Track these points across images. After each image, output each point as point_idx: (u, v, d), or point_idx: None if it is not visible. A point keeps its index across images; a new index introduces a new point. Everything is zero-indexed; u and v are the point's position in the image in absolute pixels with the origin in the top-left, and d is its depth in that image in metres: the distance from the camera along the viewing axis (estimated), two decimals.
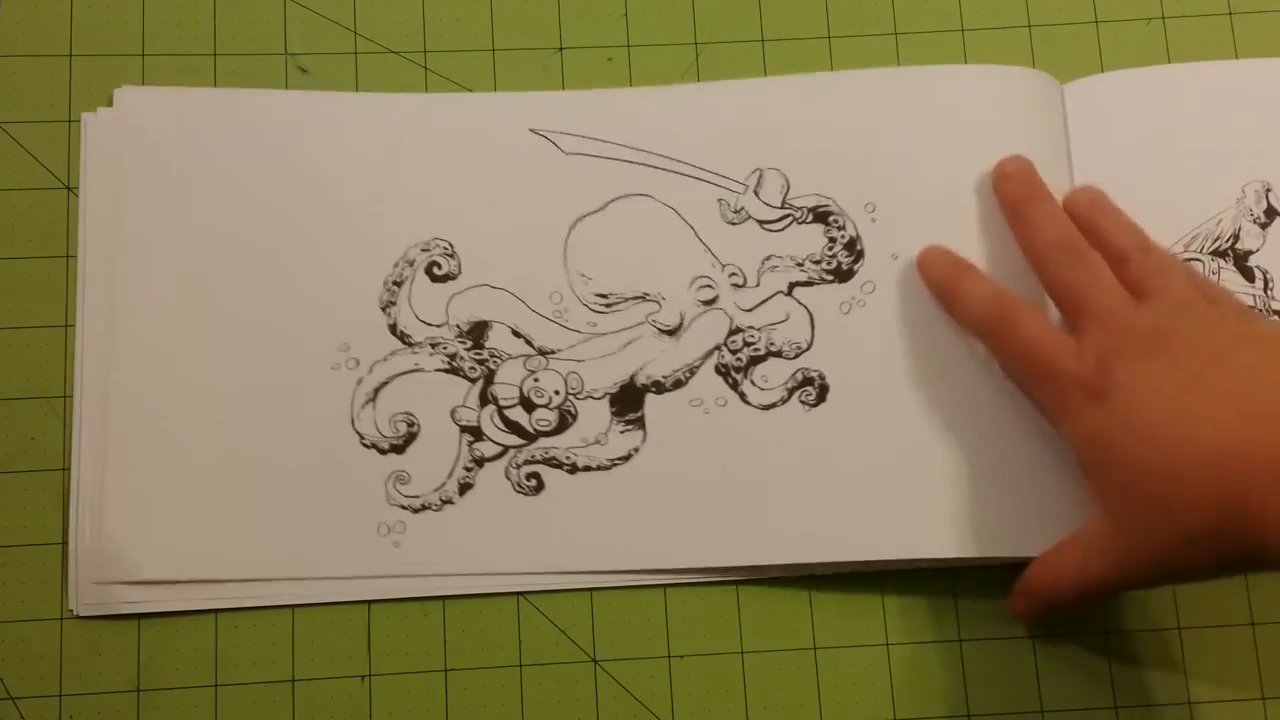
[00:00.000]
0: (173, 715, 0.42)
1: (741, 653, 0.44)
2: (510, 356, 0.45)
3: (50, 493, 0.43)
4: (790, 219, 0.46)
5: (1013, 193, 0.44)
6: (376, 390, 0.44)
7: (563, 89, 0.48)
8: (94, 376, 0.44)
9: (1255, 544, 0.34)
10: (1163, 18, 0.49)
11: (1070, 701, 0.44)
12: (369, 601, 0.43)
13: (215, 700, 0.42)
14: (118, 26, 0.47)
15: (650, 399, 0.44)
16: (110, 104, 0.46)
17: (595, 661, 0.44)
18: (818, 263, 0.45)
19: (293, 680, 0.43)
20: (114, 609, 0.42)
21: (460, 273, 0.45)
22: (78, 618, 0.42)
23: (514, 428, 0.44)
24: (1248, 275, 0.46)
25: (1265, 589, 0.45)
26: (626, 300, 0.45)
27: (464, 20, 0.48)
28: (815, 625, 0.44)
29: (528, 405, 0.44)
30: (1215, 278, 0.46)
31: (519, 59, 0.48)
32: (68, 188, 0.45)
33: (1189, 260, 0.46)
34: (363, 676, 0.43)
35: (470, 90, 0.47)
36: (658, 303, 0.45)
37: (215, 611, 0.43)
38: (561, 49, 0.48)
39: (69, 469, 0.43)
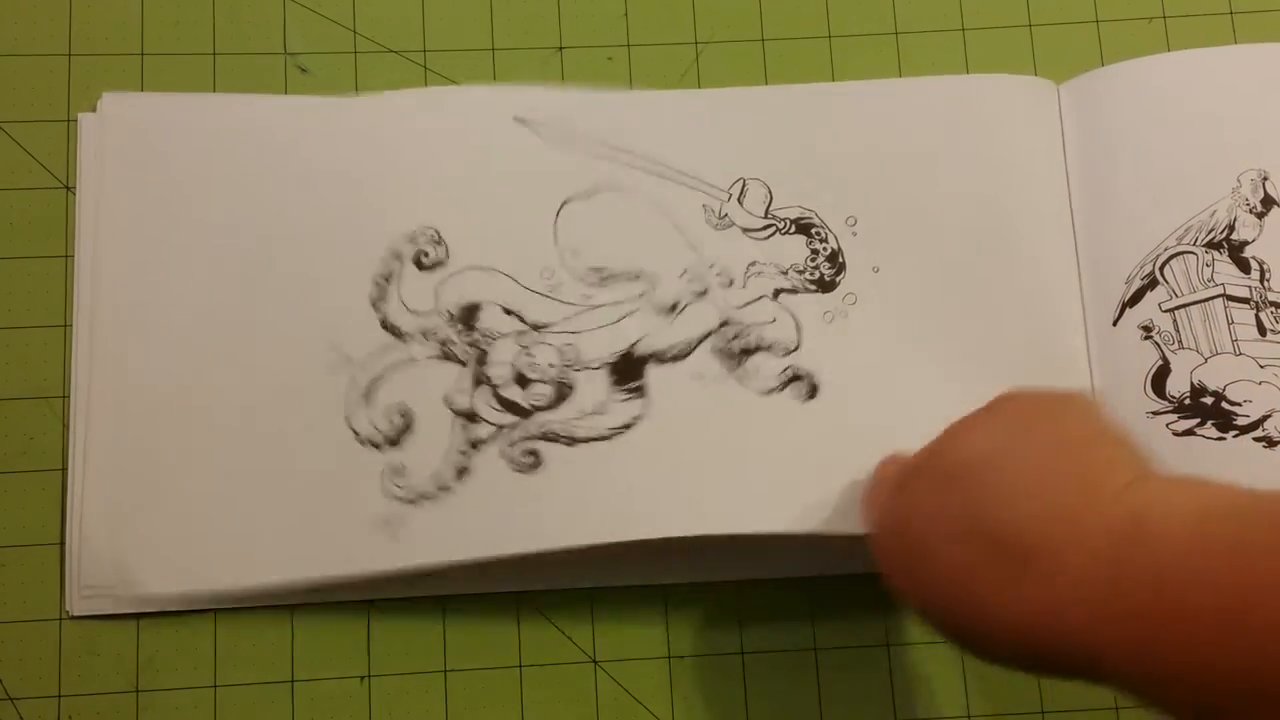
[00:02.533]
0: (172, 716, 0.42)
1: (741, 653, 0.44)
2: (502, 335, 0.44)
3: (49, 493, 0.43)
4: (774, 229, 0.46)
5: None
6: (370, 386, 0.44)
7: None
8: (86, 378, 0.44)
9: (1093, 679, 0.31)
10: (1164, 17, 0.49)
11: (1070, 702, 0.44)
12: (369, 601, 0.43)
13: (215, 701, 0.42)
14: (116, 26, 0.47)
15: (651, 368, 0.44)
16: (97, 109, 0.46)
17: (595, 662, 0.43)
18: (801, 272, 0.45)
19: (292, 681, 0.43)
20: (112, 609, 0.42)
21: (448, 258, 0.45)
22: (76, 618, 0.42)
23: (509, 406, 0.43)
24: (1243, 266, 0.46)
25: None
26: (620, 276, 0.45)
27: (464, 20, 0.48)
28: (815, 626, 0.44)
29: (522, 381, 0.44)
30: (1209, 270, 0.46)
31: (519, 58, 0.48)
32: (66, 187, 0.45)
33: (1181, 254, 0.46)
34: (363, 677, 0.43)
35: None
36: (651, 283, 0.45)
37: (215, 611, 0.43)
38: (561, 48, 0.48)
39: (66, 469, 0.43)
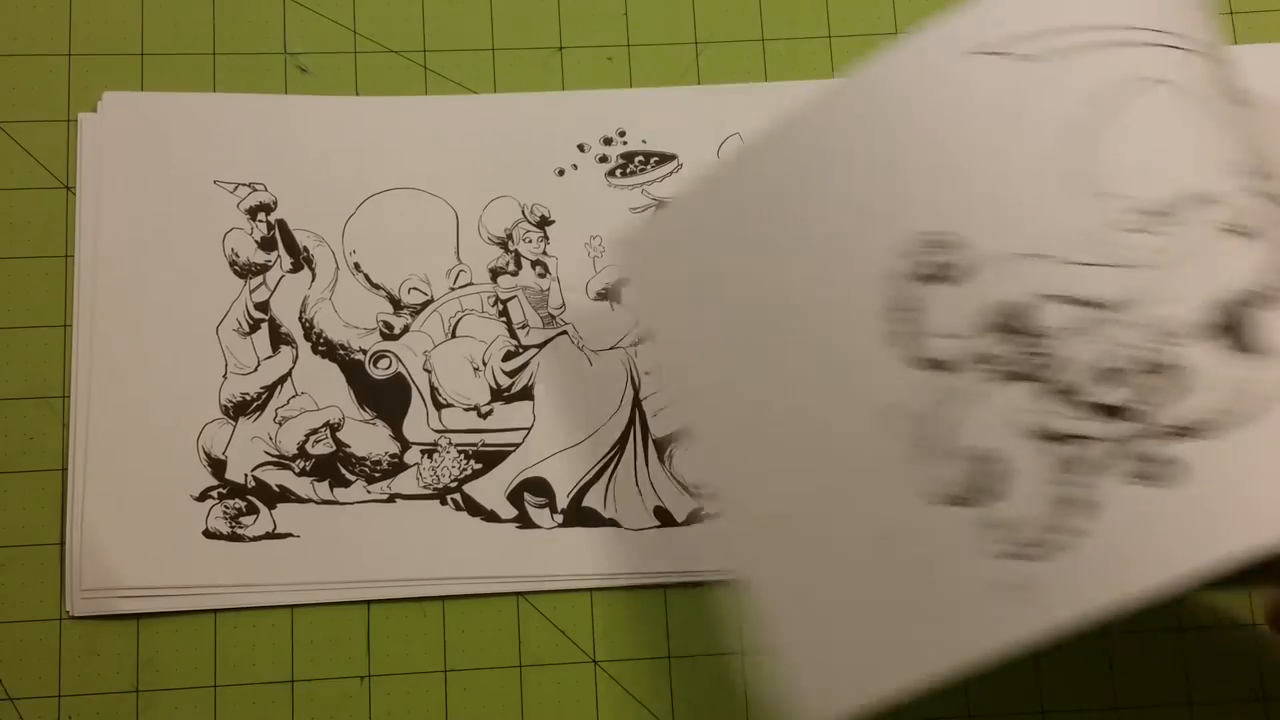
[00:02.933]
0: (172, 716, 0.42)
1: (742, 653, 0.44)
2: (1064, 328, 0.34)
3: (49, 493, 0.43)
4: None
5: None
6: (927, 436, 0.35)
7: (562, 88, 0.47)
8: (86, 378, 0.44)
9: None
10: None
11: (1070, 701, 0.44)
12: (369, 602, 0.43)
13: (214, 700, 0.42)
14: (116, 26, 0.47)
15: (1261, 316, 0.32)
16: (97, 109, 0.46)
17: (595, 662, 0.43)
18: None
19: (292, 681, 0.43)
20: (112, 609, 0.42)
21: (963, 260, 0.35)
22: (76, 618, 0.42)
23: (1107, 411, 0.33)
24: None
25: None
26: (1177, 206, 0.33)
27: (464, 20, 0.48)
28: None
29: (1110, 377, 0.33)
30: None
31: (519, 58, 0.48)
32: (66, 187, 0.45)
33: None
34: (362, 677, 0.43)
35: (471, 90, 0.47)
36: (1218, 202, 0.33)
37: (215, 611, 0.43)
38: (561, 48, 0.48)
39: (66, 469, 0.43)
